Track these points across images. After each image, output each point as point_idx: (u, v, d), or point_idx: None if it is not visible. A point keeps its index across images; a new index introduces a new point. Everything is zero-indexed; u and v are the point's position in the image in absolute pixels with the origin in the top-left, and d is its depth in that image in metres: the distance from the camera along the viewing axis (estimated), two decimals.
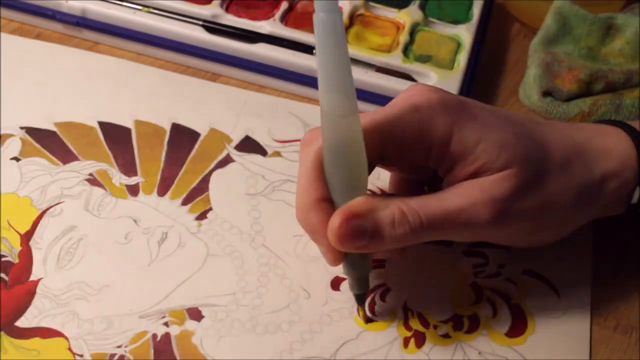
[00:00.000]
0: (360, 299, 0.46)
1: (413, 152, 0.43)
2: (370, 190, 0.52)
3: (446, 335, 0.46)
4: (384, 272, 0.48)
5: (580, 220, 0.46)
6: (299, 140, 0.54)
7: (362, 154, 0.41)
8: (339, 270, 0.48)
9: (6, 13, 0.59)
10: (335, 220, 0.41)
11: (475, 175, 0.43)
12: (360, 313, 0.46)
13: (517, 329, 0.46)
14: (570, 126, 0.47)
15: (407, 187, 0.49)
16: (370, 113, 0.43)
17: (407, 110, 0.42)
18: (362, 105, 0.56)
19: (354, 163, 0.41)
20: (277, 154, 0.53)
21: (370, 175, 0.52)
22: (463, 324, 0.46)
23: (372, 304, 0.47)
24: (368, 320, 0.46)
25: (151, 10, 0.58)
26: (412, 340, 0.46)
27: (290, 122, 0.55)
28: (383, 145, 0.43)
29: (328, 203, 0.43)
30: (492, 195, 0.42)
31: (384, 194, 0.49)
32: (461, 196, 0.42)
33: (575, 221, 0.46)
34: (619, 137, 0.46)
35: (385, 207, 0.42)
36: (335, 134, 0.40)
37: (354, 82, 0.39)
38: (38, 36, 0.59)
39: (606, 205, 0.46)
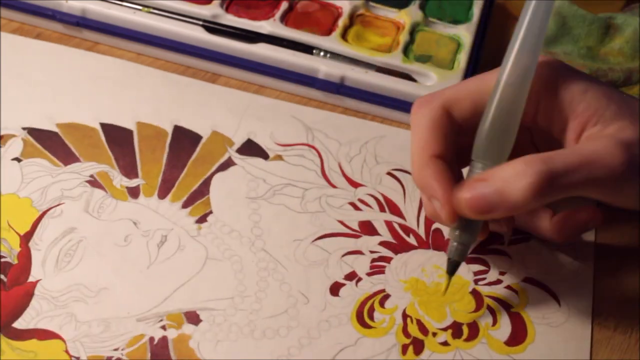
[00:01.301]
0: (453, 268, 0.45)
1: (552, 120, 0.44)
2: (371, 195, 0.52)
3: (445, 343, 0.46)
4: (383, 278, 0.48)
5: None
6: (301, 144, 0.54)
7: (519, 117, 0.43)
8: (338, 275, 0.48)
9: (6, 13, 0.59)
10: (463, 188, 0.42)
11: (588, 125, 0.43)
12: (445, 283, 0.46)
13: (517, 337, 0.46)
14: None
15: None
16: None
17: None
18: (362, 106, 0.56)
19: (513, 124, 0.42)
20: (279, 157, 0.53)
21: (372, 179, 0.52)
22: (462, 331, 0.46)
23: (371, 310, 0.47)
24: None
25: (151, 10, 0.58)
26: (411, 348, 0.45)
27: (292, 126, 0.55)
28: None
29: (443, 160, 0.43)
30: (620, 139, 0.41)
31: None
32: (589, 146, 0.42)
33: None
34: None
35: (507, 164, 0.41)
36: (512, 90, 0.42)
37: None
38: (38, 36, 0.59)
39: None
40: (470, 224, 0.44)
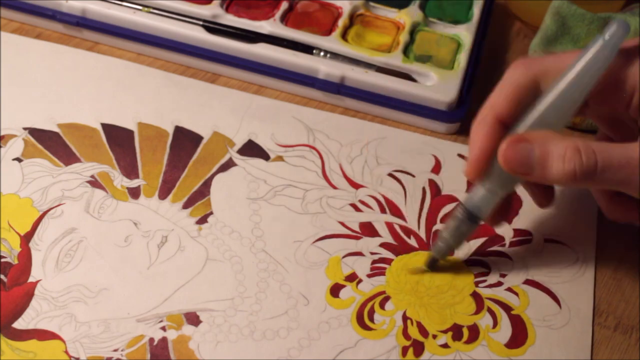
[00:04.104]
0: (432, 263, 0.48)
1: (615, 98, 0.44)
2: (372, 196, 0.52)
3: (445, 345, 0.46)
4: (384, 279, 0.48)
5: None
6: (302, 145, 0.54)
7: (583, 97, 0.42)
8: (339, 276, 0.48)
9: (6, 13, 0.59)
10: (505, 140, 0.42)
11: None
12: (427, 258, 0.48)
13: (517, 340, 0.46)
14: None
15: None
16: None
17: None
18: (362, 106, 0.56)
19: (576, 102, 0.42)
20: (280, 158, 0.53)
21: (373, 180, 0.52)
22: (462, 334, 0.46)
23: (372, 312, 0.47)
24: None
25: (151, 10, 0.58)
26: (411, 350, 0.45)
27: (293, 127, 0.55)
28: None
29: (501, 125, 0.44)
30: None
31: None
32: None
33: None
34: None
35: (560, 141, 0.42)
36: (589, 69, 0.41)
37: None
38: (38, 36, 0.59)
39: None
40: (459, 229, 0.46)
